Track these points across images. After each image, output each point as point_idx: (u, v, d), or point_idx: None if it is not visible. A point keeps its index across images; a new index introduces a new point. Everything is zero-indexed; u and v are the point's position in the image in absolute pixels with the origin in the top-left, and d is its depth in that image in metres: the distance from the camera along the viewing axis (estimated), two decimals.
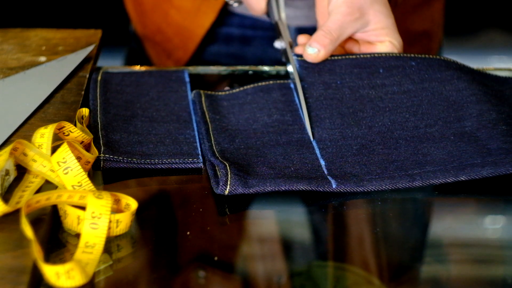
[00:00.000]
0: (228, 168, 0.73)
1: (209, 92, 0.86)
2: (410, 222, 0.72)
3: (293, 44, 0.86)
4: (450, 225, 0.73)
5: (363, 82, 0.83)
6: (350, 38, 0.87)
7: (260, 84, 0.86)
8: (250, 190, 0.71)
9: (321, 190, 0.72)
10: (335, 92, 0.82)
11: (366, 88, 0.83)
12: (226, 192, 0.71)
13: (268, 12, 0.88)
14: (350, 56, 0.85)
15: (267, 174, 0.73)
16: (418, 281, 0.66)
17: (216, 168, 0.74)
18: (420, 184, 0.73)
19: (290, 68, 0.85)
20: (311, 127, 0.79)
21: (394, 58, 0.85)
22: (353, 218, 0.72)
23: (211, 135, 0.79)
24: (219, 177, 0.72)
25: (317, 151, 0.77)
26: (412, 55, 0.85)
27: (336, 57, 0.85)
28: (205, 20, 1.05)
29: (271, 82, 0.86)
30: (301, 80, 0.83)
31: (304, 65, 0.85)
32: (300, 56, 0.85)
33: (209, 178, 0.74)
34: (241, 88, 0.86)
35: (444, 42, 1.21)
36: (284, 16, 0.86)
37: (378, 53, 0.85)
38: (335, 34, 0.82)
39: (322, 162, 0.75)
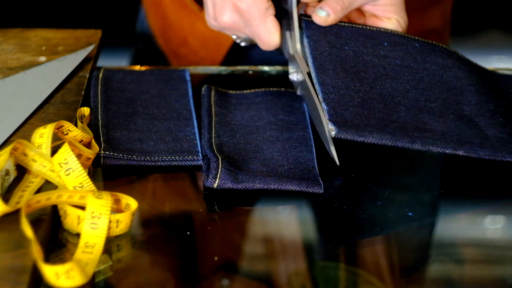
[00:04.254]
0: (220, 162, 0.73)
1: (219, 89, 0.86)
2: (410, 222, 0.72)
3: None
4: (449, 225, 0.73)
5: (367, 50, 0.83)
6: (358, 10, 0.86)
7: (271, 89, 0.87)
8: (239, 186, 0.72)
9: (310, 191, 0.72)
10: (339, 51, 0.82)
11: (370, 55, 0.82)
12: (215, 186, 0.71)
13: (282, 46, 0.86)
14: (357, 25, 0.85)
15: (259, 172, 0.73)
16: (418, 281, 0.66)
17: (210, 161, 0.74)
18: (420, 148, 0.73)
19: (309, 102, 0.81)
20: (315, 75, 0.79)
21: (399, 35, 0.84)
22: (352, 218, 0.72)
23: (213, 128, 0.80)
24: (210, 170, 0.72)
25: (320, 95, 0.76)
26: (416, 37, 0.85)
27: (342, 23, 0.84)
28: None
29: (282, 89, 0.87)
30: (307, 36, 0.83)
31: (311, 25, 0.84)
32: (308, 16, 0.84)
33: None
34: (252, 90, 0.87)
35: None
36: (299, 47, 0.83)
37: (384, 28, 0.85)
38: (346, 1, 0.82)
39: (324, 107, 0.75)
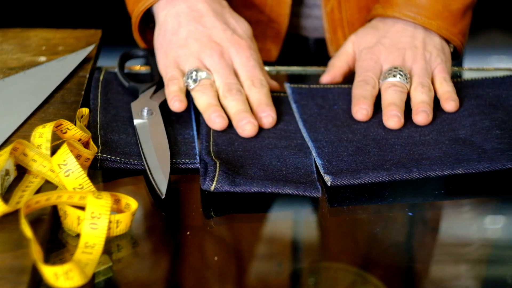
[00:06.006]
0: (217, 165, 0.73)
1: None
2: (410, 222, 0.72)
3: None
4: (449, 225, 0.73)
5: None
6: None
7: (272, 94, 0.87)
8: (236, 189, 0.71)
9: (307, 195, 0.72)
10: (328, 111, 0.85)
11: None
12: (212, 189, 0.71)
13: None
14: (342, 86, 0.88)
15: (256, 176, 0.73)
16: (418, 281, 0.66)
17: (207, 165, 0.74)
18: (417, 176, 0.73)
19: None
20: (307, 134, 0.81)
21: None
22: (353, 218, 0.72)
23: (211, 137, 0.79)
24: (207, 173, 0.72)
25: (314, 151, 0.77)
26: None
27: (328, 86, 0.88)
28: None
29: (282, 94, 0.88)
30: (295, 102, 0.85)
31: (298, 91, 0.87)
32: (291, 83, 0.87)
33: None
34: None
35: None
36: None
37: None
38: (375, 90, 0.85)
39: (319, 161, 0.76)
